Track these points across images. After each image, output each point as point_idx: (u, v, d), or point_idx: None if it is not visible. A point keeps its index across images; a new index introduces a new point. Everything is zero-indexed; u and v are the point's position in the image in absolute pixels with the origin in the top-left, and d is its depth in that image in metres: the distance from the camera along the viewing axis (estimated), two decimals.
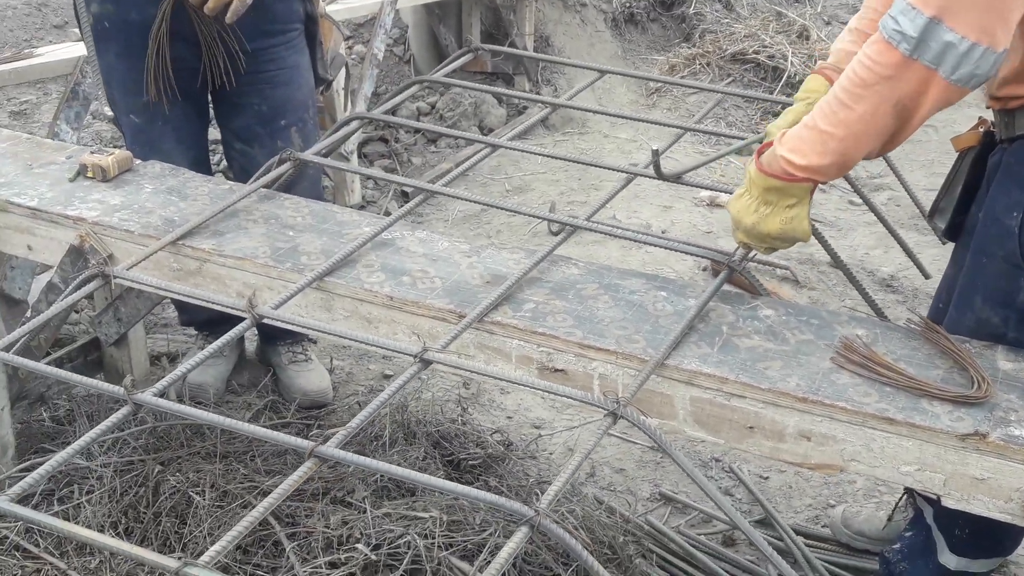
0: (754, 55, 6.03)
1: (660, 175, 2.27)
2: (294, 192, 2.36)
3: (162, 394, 1.64)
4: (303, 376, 2.95)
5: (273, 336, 3.01)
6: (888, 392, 1.70)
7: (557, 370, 1.85)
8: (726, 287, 2.00)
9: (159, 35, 2.48)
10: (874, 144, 1.68)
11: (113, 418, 1.59)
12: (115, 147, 2.53)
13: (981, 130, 1.93)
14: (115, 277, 1.94)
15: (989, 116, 1.93)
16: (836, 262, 2.31)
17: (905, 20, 1.56)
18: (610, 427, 1.59)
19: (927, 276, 2.55)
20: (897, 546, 2.14)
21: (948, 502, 1.65)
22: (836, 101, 1.66)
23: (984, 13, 1.53)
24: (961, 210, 1.97)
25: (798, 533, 2.63)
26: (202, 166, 2.74)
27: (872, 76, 1.61)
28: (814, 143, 1.70)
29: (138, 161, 2.47)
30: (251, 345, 3.25)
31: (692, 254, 2.21)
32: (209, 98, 2.76)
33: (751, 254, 2.02)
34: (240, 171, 2.79)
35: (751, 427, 1.74)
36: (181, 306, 2.98)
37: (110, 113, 2.79)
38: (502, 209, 2.49)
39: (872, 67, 1.61)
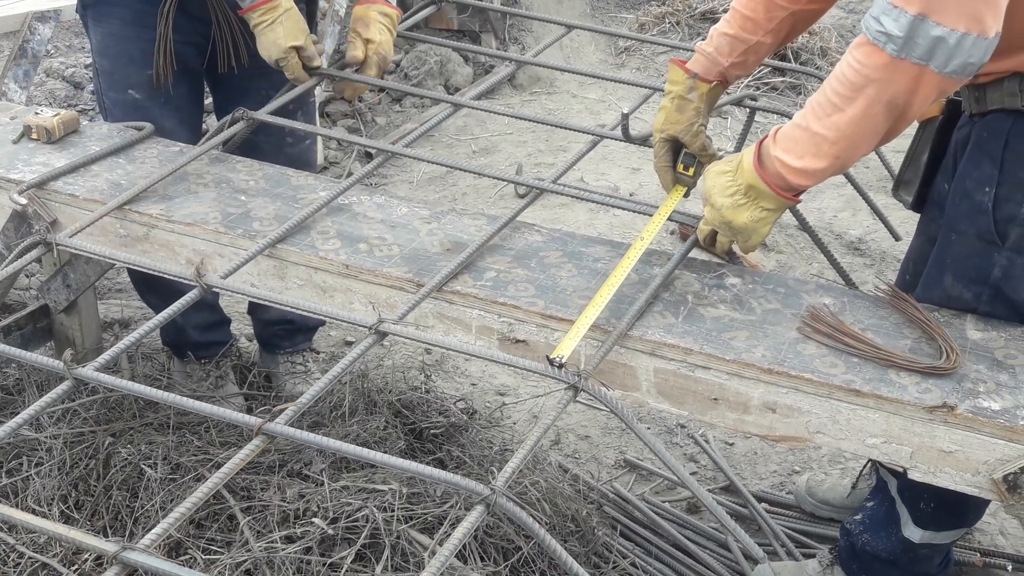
0: (724, 13, 5.94)
1: (628, 138, 2.22)
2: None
3: (108, 366, 1.57)
4: (300, 389, 2.80)
5: (273, 345, 2.88)
6: (855, 363, 1.66)
7: (519, 341, 1.80)
8: (692, 254, 1.95)
9: (168, 9, 2.35)
10: (870, 144, 1.65)
11: (53, 393, 1.52)
12: (64, 107, 2.43)
13: (943, 99, 1.88)
14: (57, 244, 1.86)
15: None
16: (804, 227, 2.27)
17: (888, 20, 1.51)
18: (571, 400, 1.54)
19: (897, 238, 2.53)
20: (859, 517, 2.12)
21: (914, 475, 1.63)
22: (827, 102, 1.62)
23: (972, 2, 1.47)
24: (926, 181, 1.95)
25: (762, 500, 2.61)
26: None
27: (860, 79, 1.57)
28: (808, 144, 1.66)
29: (85, 122, 2.38)
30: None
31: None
32: (205, 85, 2.63)
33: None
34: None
35: (715, 399, 1.70)
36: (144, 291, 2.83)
37: (65, 71, 2.63)
38: (466, 171, 2.43)
39: (860, 70, 1.57)
